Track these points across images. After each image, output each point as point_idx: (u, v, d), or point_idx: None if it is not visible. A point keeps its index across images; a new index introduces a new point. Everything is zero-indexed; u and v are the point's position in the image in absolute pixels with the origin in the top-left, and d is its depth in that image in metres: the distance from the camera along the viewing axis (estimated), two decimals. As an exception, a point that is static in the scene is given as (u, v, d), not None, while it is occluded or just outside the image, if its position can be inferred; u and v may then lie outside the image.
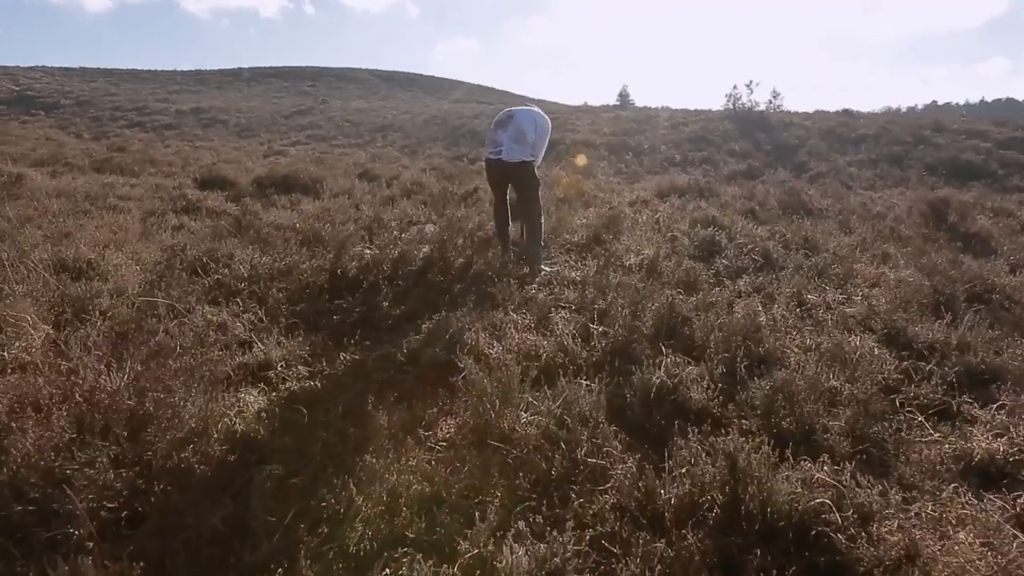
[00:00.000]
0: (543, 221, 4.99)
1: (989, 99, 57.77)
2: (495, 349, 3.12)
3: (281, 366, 2.94)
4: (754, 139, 17.41)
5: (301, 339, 3.26)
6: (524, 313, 3.69)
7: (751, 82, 21.22)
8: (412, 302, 3.78)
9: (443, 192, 8.19)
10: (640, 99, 34.76)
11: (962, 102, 59.10)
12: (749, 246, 5.23)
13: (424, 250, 4.55)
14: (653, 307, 3.51)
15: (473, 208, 7.27)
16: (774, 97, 21.88)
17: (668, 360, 2.98)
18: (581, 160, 9.62)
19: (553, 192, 9.06)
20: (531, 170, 4.81)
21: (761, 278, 4.55)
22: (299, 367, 2.97)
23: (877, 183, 13.00)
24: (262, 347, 3.10)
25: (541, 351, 3.12)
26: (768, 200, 8.54)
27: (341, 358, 3.07)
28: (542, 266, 4.71)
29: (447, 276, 4.25)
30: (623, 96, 28.20)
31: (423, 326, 3.42)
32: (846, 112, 22.32)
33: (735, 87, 21.47)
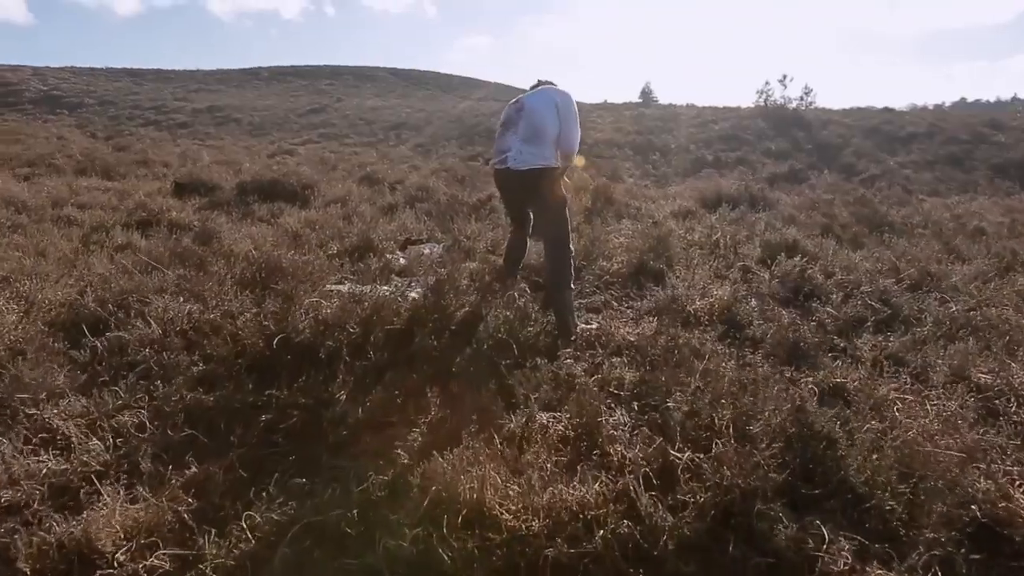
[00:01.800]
0: (572, 248, 3.44)
1: (1022, 95, 54.55)
2: (509, 511, 1.73)
3: (122, 554, 1.58)
4: (792, 138, 15.74)
5: (185, 478, 1.90)
6: (557, 413, 2.29)
7: (784, 77, 19.47)
8: (383, 396, 2.39)
9: (451, 201, 6.80)
10: (663, 96, 33.00)
11: (992, 99, 55.95)
12: (857, 285, 3.77)
13: (413, 296, 3.17)
14: (769, 417, 2.08)
15: (486, 222, 5.88)
16: (806, 93, 20.03)
17: (828, 557, 1.57)
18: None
19: (580, 200, 7.63)
20: (551, 180, 3.28)
21: (892, 340, 3.10)
22: (154, 556, 1.60)
23: (940, 188, 11.33)
24: (81, 518, 1.74)
25: (589, 512, 1.73)
26: (836, 210, 7.01)
27: (243, 527, 1.71)
28: (576, 321, 3.27)
29: (441, 339, 2.85)
30: (646, 93, 26.54)
31: (397, 453, 2.03)
32: (887, 110, 20.46)
33: (767, 83, 19.71)
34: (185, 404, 2.25)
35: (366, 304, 2.86)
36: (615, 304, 3.80)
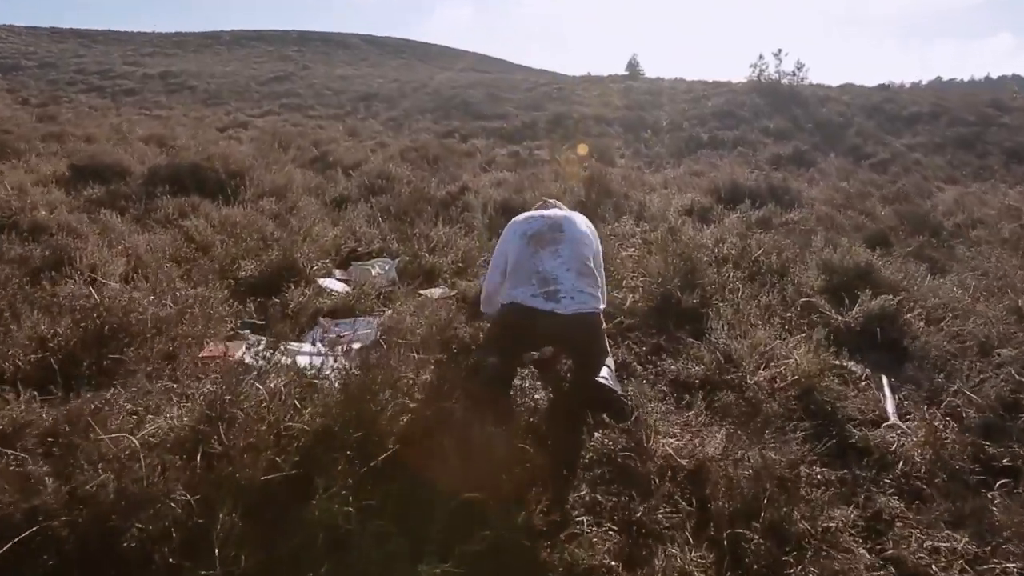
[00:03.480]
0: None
1: (995, 75, 54.19)
2: None
3: None
4: (790, 115, 14.58)
5: None
6: None
7: (779, 51, 18.23)
8: None
9: (415, 194, 5.48)
10: (650, 70, 31.49)
11: (966, 79, 55.50)
12: (982, 341, 2.63)
13: (329, 380, 1.90)
14: None
15: (456, 225, 4.59)
16: (798, 69, 18.81)
17: None
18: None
19: (571, 185, 6.37)
20: (602, 323, 2.44)
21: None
22: None
23: (955, 174, 10.31)
24: None
25: None
26: (873, 206, 5.87)
27: None
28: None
29: (366, 495, 1.61)
30: (632, 66, 25.06)
31: None
32: (883, 87, 19.39)
33: (761, 57, 18.40)
34: None
35: (223, 429, 1.59)
36: (638, 366, 2.59)
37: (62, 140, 8.96)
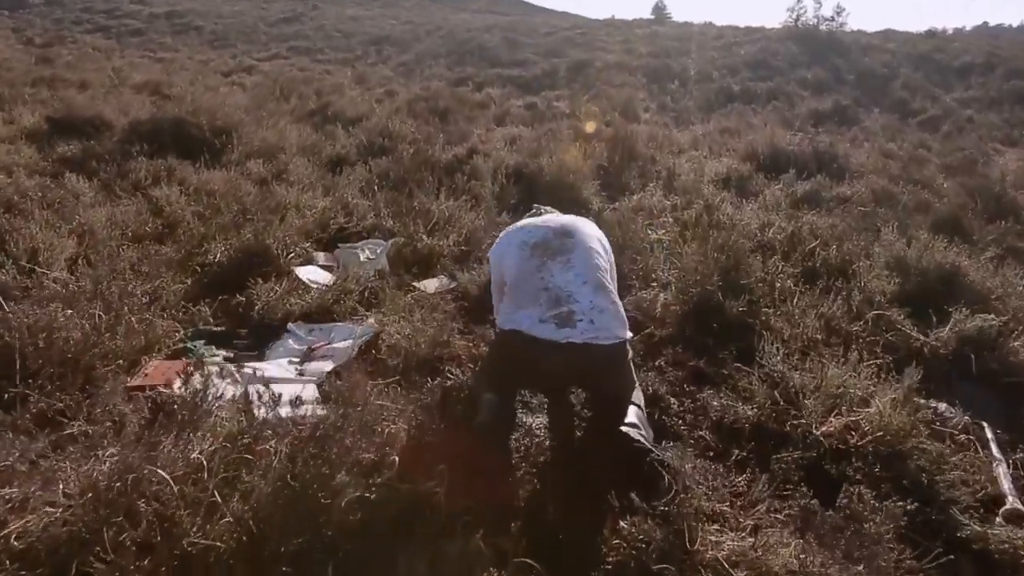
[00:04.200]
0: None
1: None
2: None
3: None
4: (830, 65, 13.39)
5: None
6: None
7: (821, -8, 16.68)
8: None
9: (418, 157, 4.86)
10: (678, 14, 29.48)
11: (1015, 23, 51.60)
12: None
13: (231, 517, 1.41)
14: None
15: (462, 197, 4.00)
16: (838, 13, 17.23)
17: None
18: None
19: (593, 146, 5.68)
20: (629, 352, 1.91)
21: None
22: None
23: (1014, 134, 9.34)
24: None
25: None
26: (932, 176, 5.15)
27: None
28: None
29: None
30: (659, 9, 23.39)
31: None
32: (930, 34, 17.79)
33: (798, 0, 16.80)
34: None
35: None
36: (672, 400, 2.07)
37: (53, 86, 8.37)
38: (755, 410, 1.94)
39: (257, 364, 2.06)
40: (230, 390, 1.79)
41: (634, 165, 5.65)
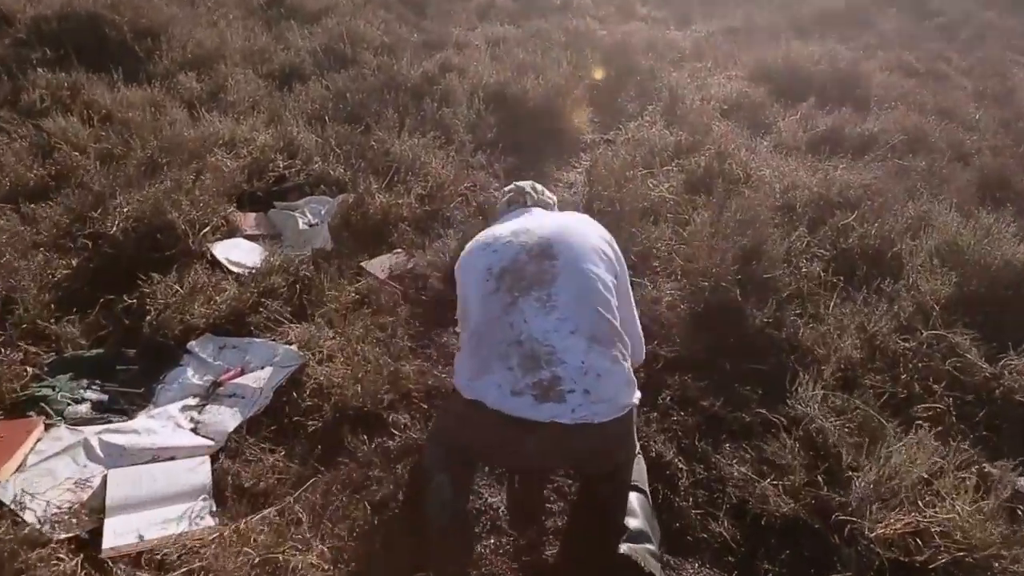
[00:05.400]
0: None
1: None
2: None
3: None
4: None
5: None
6: None
7: None
8: None
9: (382, 75, 3.96)
10: None
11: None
12: None
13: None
14: None
15: (430, 133, 3.21)
16: None
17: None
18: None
19: (585, 55, 4.73)
20: (634, 417, 1.34)
21: None
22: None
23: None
24: None
25: None
26: (969, 113, 4.39)
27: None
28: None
29: None
30: None
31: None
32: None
33: None
34: None
35: None
36: (680, 465, 1.57)
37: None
38: (788, 497, 1.45)
39: (134, 422, 1.49)
40: (69, 498, 1.24)
41: (631, 81, 4.79)
